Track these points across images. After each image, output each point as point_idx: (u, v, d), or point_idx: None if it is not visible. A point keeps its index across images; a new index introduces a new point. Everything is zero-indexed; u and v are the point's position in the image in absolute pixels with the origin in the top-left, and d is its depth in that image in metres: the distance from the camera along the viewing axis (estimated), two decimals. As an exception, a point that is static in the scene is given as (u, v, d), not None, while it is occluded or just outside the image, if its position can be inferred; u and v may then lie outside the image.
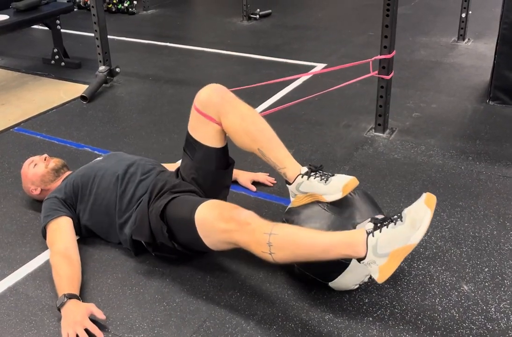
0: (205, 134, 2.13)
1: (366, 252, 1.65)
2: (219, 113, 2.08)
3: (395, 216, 1.66)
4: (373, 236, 1.65)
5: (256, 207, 2.49)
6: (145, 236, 2.08)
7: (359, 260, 1.68)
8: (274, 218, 2.34)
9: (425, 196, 1.66)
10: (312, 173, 1.99)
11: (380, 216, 1.78)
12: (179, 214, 1.98)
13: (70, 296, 1.92)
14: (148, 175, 2.26)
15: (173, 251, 2.08)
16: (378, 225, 1.66)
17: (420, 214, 1.62)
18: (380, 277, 1.65)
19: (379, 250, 1.63)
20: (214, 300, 1.99)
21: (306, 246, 1.75)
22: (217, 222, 1.84)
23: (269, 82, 3.32)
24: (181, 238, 2.01)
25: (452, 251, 2.19)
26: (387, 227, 1.64)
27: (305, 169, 2.02)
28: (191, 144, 2.17)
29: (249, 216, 1.83)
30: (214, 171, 2.18)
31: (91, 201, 2.25)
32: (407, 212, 1.65)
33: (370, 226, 1.68)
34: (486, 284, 2.02)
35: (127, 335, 1.85)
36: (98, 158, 2.46)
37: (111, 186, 2.23)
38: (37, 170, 2.44)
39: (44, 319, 1.93)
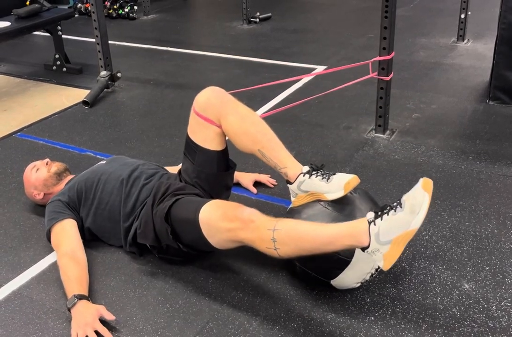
0: (205, 137, 2.15)
1: (369, 241, 1.67)
2: (218, 116, 2.10)
3: (395, 203, 1.68)
4: (374, 224, 1.67)
5: (257, 208, 2.48)
6: (150, 239, 2.09)
7: (363, 249, 1.70)
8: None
9: (422, 181, 1.67)
10: (314, 172, 2.01)
11: None
12: (183, 215, 2.00)
13: (81, 297, 1.93)
14: (151, 179, 2.28)
15: (178, 253, 2.10)
16: (379, 213, 1.68)
17: (418, 199, 1.63)
18: (385, 265, 1.67)
19: (381, 237, 1.65)
20: (217, 301, 2.00)
21: (310, 239, 1.76)
22: (222, 221, 1.86)
23: (271, 83, 3.33)
24: (186, 239, 2.03)
25: (453, 250, 2.20)
26: (387, 215, 1.66)
27: (306, 168, 2.03)
28: (191, 148, 2.18)
29: (252, 213, 1.85)
30: (216, 174, 2.20)
31: (95, 205, 2.26)
32: (406, 198, 1.66)
33: (371, 215, 1.70)
34: (487, 282, 2.03)
35: (130, 336, 1.87)
36: (102, 162, 2.48)
37: (115, 191, 2.25)
38: (39, 174, 2.46)
39: (49, 322, 1.95)
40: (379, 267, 1.91)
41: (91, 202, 2.27)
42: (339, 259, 1.86)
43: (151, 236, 2.08)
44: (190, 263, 2.18)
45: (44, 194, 2.47)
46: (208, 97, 2.13)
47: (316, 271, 1.95)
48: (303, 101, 3.29)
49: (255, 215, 1.85)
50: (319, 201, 1.98)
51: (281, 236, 1.76)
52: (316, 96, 3.34)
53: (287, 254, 1.80)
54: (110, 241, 2.30)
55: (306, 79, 3.98)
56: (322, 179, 1.98)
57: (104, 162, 2.48)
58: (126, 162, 2.41)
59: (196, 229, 1.92)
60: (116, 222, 2.23)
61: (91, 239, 2.32)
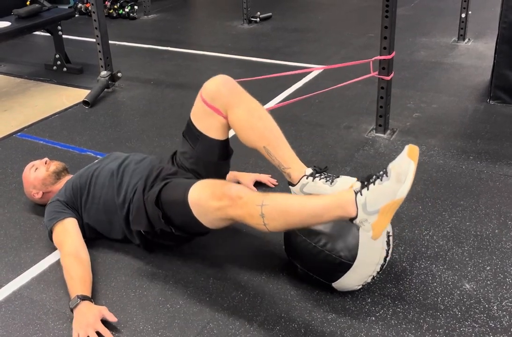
0: (209, 126, 2.12)
1: (357, 211, 1.66)
2: (226, 106, 2.07)
3: (381, 172, 1.67)
4: (361, 194, 1.67)
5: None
6: (144, 225, 2.08)
7: (351, 220, 1.70)
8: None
9: (407, 148, 1.66)
10: (317, 175, 1.99)
11: None
12: (173, 198, 1.99)
13: (83, 298, 1.93)
14: (141, 163, 2.27)
15: (173, 237, 2.09)
16: (365, 183, 1.68)
17: (404, 167, 1.63)
18: (374, 235, 1.69)
19: (368, 207, 1.65)
20: (217, 301, 2.00)
21: (297, 213, 1.76)
22: (211, 201, 1.85)
23: (277, 74, 3.31)
24: (178, 222, 2.02)
25: (453, 250, 2.19)
26: (373, 184, 1.65)
27: (309, 170, 2.01)
28: (193, 133, 2.14)
29: (240, 189, 1.84)
30: (216, 162, 2.18)
31: (90, 199, 2.26)
32: (392, 167, 1.65)
33: (358, 185, 1.70)
34: (488, 282, 2.02)
35: (131, 337, 1.87)
36: (96, 161, 2.48)
37: (107, 183, 2.24)
38: (38, 173, 2.46)
39: (49, 323, 1.95)
40: (380, 269, 1.91)
41: (86, 198, 2.27)
42: (342, 262, 1.86)
43: (144, 222, 2.08)
44: (190, 264, 2.18)
45: (43, 193, 2.47)
46: (217, 86, 2.09)
47: (318, 273, 1.95)
48: (303, 98, 3.29)
49: (242, 191, 1.84)
50: None
51: (269, 211, 1.76)
52: (315, 93, 3.34)
53: (276, 228, 1.80)
54: (111, 234, 2.28)
55: (306, 79, 3.98)
56: (326, 182, 1.95)
57: (98, 160, 2.48)
58: (118, 156, 2.41)
59: (186, 210, 1.92)
60: (113, 213, 2.22)
61: (94, 237, 2.32)
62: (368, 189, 1.67)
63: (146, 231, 2.12)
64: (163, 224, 2.02)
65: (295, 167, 2.03)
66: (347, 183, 1.93)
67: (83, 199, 2.28)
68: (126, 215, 2.19)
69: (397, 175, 1.63)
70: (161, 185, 2.06)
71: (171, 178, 2.11)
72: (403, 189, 1.63)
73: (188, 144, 2.18)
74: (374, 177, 1.68)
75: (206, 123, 2.12)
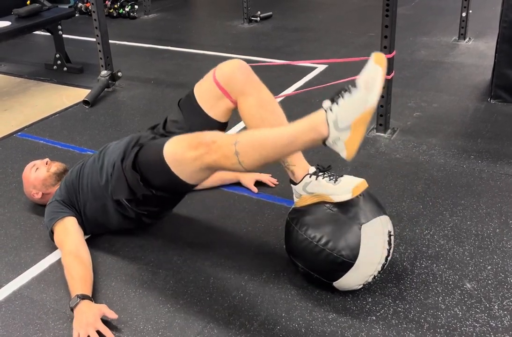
0: (213, 106, 2.09)
1: (328, 129, 1.63)
2: (238, 92, 2.04)
3: (350, 85, 1.62)
4: (331, 111, 1.63)
5: (258, 208, 2.50)
6: (125, 192, 2.07)
7: (324, 141, 1.66)
8: (277, 219, 2.38)
9: (373, 55, 1.61)
10: (321, 173, 1.97)
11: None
12: (149, 158, 1.98)
13: (83, 297, 1.93)
14: (121, 142, 2.25)
15: (157, 202, 2.08)
16: (334, 99, 1.63)
17: (371, 74, 1.59)
18: (348, 153, 1.64)
19: (340, 124, 1.61)
20: (218, 301, 1.99)
21: (271, 144, 1.72)
22: (187, 152, 1.84)
23: (286, 62, 3.25)
24: (157, 182, 2.00)
25: (454, 249, 2.19)
26: (343, 98, 1.61)
27: (313, 169, 2.00)
28: (193, 109, 2.10)
29: (214, 134, 1.82)
30: None
31: (82, 192, 2.26)
32: (360, 77, 1.61)
33: (328, 103, 1.65)
34: (489, 282, 2.02)
35: (131, 337, 1.87)
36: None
37: (90, 170, 2.24)
38: (38, 174, 2.45)
39: (49, 323, 1.95)
40: (382, 269, 1.91)
41: (79, 192, 2.27)
42: (343, 262, 1.86)
43: (125, 190, 2.07)
44: (191, 264, 2.18)
45: (43, 193, 2.46)
46: (233, 69, 2.06)
47: (319, 272, 1.95)
48: (303, 91, 3.28)
49: (216, 135, 1.82)
50: (324, 203, 1.95)
51: (243, 148, 1.73)
52: (317, 87, 3.34)
53: (252, 165, 1.76)
54: (110, 222, 2.26)
55: (306, 78, 3.98)
56: (329, 180, 1.93)
57: None
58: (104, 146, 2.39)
59: (164, 168, 1.90)
60: (102, 197, 2.19)
61: (93, 233, 2.33)
62: (338, 105, 1.62)
63: (128, 199, 2.10)
64: (142, 187, 2.00)
65: (300, 165, 2.02)
66: (351, 183, 1.90)
67: (78, 193, 2.27)
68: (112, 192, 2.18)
69: (365, 83, 1.58)
70: (136, 149, 2.05)
71: (147, 142, 2.09)
72: (372, 97, 1.58)
73: (183, 118, 2.13)
74: (342, 91, 1.62)
75: (211, 102, 2.08)
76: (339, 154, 1.68)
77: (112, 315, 1.89)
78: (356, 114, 1.60)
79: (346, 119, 1.61)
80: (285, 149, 1.73)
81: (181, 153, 1.86)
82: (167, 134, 2.15)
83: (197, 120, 2.11)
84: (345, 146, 1.63)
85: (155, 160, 1.93)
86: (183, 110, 2.15)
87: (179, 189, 2.05)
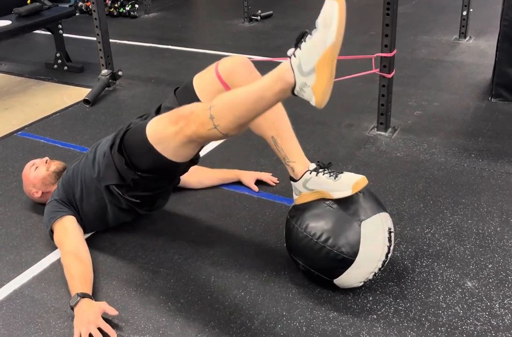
0: (212, 98, 2.03)
1: (294, 75, 1.58)
2: (239, 87, 1.98)
3: (313, 29, 1.59)
4: (295, 56, 1.59)
5: (259, 207, 2.50)
6: (116, 178, 2.08)
7: (292, 91, 1.61)
8: (277, 218, 2.38)
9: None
10: (321, 170, 1.97)
11: None
12: (133, 140, 1.99)
13: (83, 295, 1.93)
14: (112, 134, 2.23)
15: (147, 186, 2.08)
16: (298, 44, 1.60)
17: (328, 11, 1.56)
18: (316, 100, 1.57)
19: (304, 67, 1.57)
20: (219, 300, 1.99)
21: (242, 101, 1.69)
22: (168, 127, 1.84)
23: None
24: (144, 165, 2.00)
25: (455, 248, 2.19)
26: (305, 41, 1.58)
27: (313, 166, 2.00)
28: (190, 98, 2.05)
29: (192, 105, 1.81)
30: None
31: (76, 188, 2.26)
32: (319, 17, 1.57)
33: (292, 50, 1.62)
34: (490, 280, 2.02)
35: (132, 336, 1.86)
36: None
37: (84, 166, 2.25)
38: (38, 172, 2.45)
39: (50, 321, 1.95)
40: (382, 266, 1.91)
41: (76, 189, 2.27)
42: (343, 258, 1.86)
43: (115, 176, 2.07)
44: (191, 263, 2.18)
45: (42, 192, 2.46)
46: (236, 64, 2.05)
47: (319, 269, 1.95)
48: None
49: (194, 105, 1.81)
50: (323, 200, 1.95)
51: (218, 111, 1.71)
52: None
53: (228, 127, 1.73)
54: (107, 217, 2.27)
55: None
56: (330, 176, 1.93)
57: None
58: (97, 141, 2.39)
59: (148, 148, 1.91)
60: (97, 191, 2.20)
61: (93, 230, 2.34)
62: (301, 48, 1.58)
63: (119, 186, 2.10)
64: (129, 171, 2.00)
65: (300, 161, 2.02)
66: (351, 180, 1.90)
67: (74, 191, 2.27)
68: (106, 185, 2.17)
69: (323, 21, 1.55)
70: (122, 133, 2.05)
71: (132, 126, 2.09)
72: (331, 33, 1.54)
73: (178, 104, 2.08)
74: (304, 35, 1.59)
75: (210, 94, 2.04)
76: (309, 103, 1.61)
77: (112, 311, 1.89)
78: (318, 54, 1.55)
79: (308, 61, 1.56)
80: (257, 105, 1.68)
81: (162, 130, 1.87)
82: None
83: None
84: (313, 92, 1.57)
85: (138, 140, 1.94)
86: (179, 98, 2.12)
87: (166, 168, 2.03)
